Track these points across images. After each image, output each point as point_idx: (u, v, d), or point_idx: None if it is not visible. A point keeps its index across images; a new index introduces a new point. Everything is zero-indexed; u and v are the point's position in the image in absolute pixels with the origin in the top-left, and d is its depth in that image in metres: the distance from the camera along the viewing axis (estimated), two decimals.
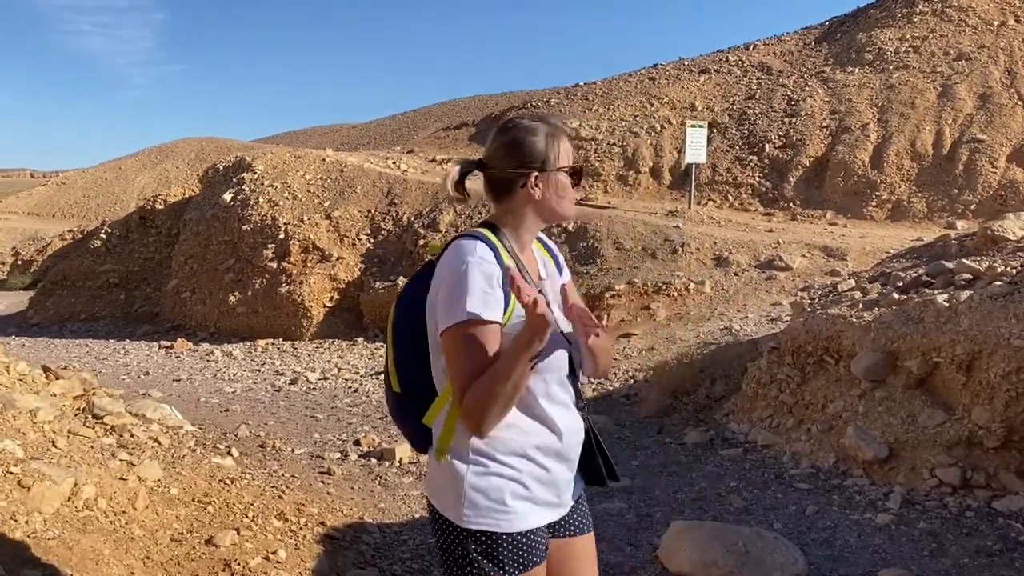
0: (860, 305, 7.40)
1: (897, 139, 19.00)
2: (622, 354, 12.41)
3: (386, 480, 7.15)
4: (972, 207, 16.76)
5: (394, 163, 23.21)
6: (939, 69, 21.34)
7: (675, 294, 14.83)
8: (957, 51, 21.83)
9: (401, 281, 17.86)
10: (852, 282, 8.56)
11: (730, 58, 25.91)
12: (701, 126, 18.72)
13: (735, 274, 15.16)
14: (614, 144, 22.38)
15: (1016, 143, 17.55)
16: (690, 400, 9.11)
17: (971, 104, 19.39)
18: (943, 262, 7.57)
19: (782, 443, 7.24)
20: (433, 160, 24.11)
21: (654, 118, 23.14)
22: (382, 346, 16.92)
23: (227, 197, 21.31)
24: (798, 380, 7.52)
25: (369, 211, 20.05)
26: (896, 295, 7.17)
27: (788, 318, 12.85)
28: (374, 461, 7.73)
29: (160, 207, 25.76)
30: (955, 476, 5.87)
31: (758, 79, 24.33)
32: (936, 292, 6.76)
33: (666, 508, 6.09)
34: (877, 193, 18.21)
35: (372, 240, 19.47)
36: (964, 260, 7.25)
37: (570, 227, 17.45)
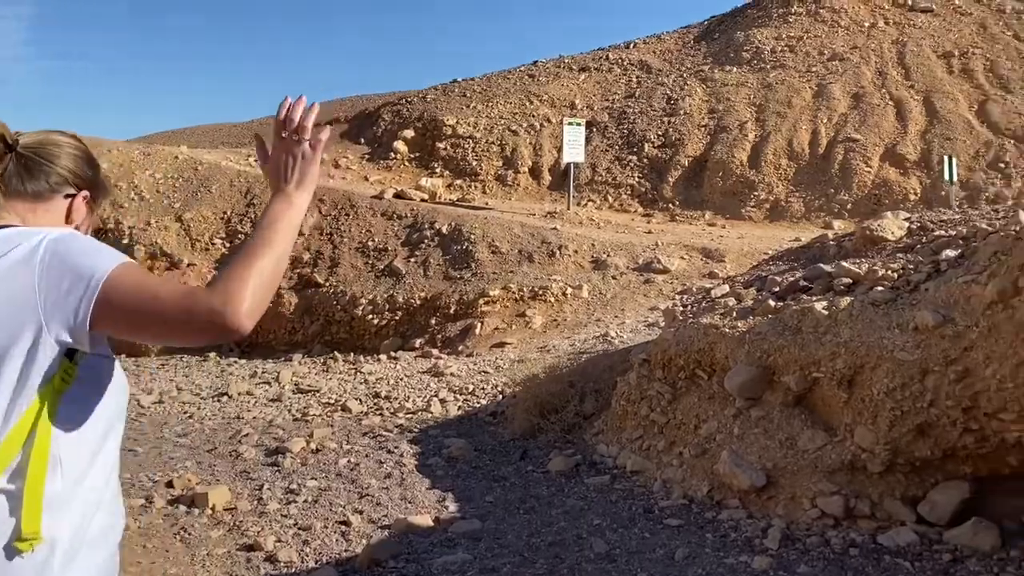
0: (734, 313, 6.76)
1: (775, 138, 19.01)
2: (492, 367, 11.55)
3: (189, 535, 5.97)
4: (848, 206, 16.85)
5: (256, 161, 21.66)
6: (814, 69, 21.61)
7: (552, 300, 14.12)
8: (831, 51, 22.20)
9: None
10: (727, 287, 7.96)
11: (610, 56, 25.62)
12: (579, 124, 18.16)
13: (613, 278, 14.60)
14: (493, 143, 21.61)
15: (888, 142, 17.81)
16: (558, 419, 8.30)
17: (845, 104, 19.64)
18: (821, 265, 7.04)
19: (653, 469, 6.50)
20: None
21: (534, 116, 22.51)
22: (235, 362, 15.51)
23: None
24: (669, 397, 6.82)
25: (225, 213, 18.51)
26: (772, 302, 6.56)
27: (663, 323, 12.35)
28: (182, 509, 6.53)
29: None
30: (838, 506, 5.25)
31: (638, 77, 24.11)
32: (814, 299, 6.18)
33: (516, 558, 5.21)
34: (755, 193, 18.13)
35: (228, 244, 17.95)
36: (843, 263, 6.72)
37: (444, 229, 16.52)
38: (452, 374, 11.41)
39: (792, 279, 7.10)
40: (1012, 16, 22.42)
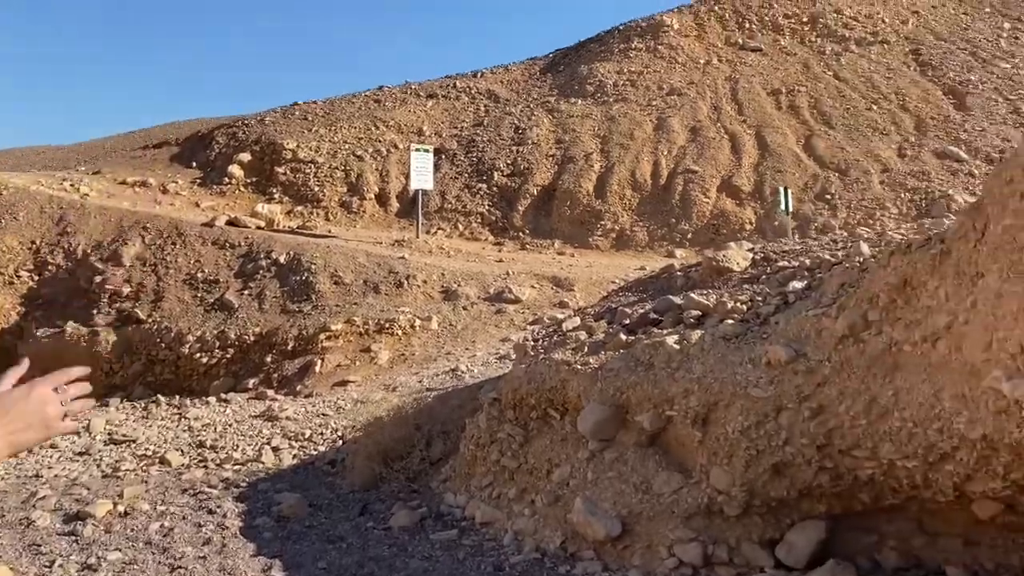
0: (586, 348, 6.45)
1: (619, 169, 19.35)
2: (333, 408, 10.78)
3: None
4: (689, 236, 17.31)
5: (72, 185, 19.76)
6: (654, 103, 22.30)
7: (399, 332, 13.50)
8: (669, 86, 23.01)
9: (72, 327, 14.84)
10: (577, 320, 7.69)
11: (458, 84, 25.47)
12: (426, 150, 17.75)
13: (464, 308, 14.18)
14: (336, 168, 20.79)
15: (725, 174, 18.50)
16: (403, 466, 7.72)
17: (684, 136, 20.32)
18: (671, 297, 6.88)
19: (503, 519, 6.04)
20: (123, 182, 20.92)
21: (380, 142, 21.90)
22: None
23: None
24: (520, 440, 6.40)
25: (34, 242, 16.67)
26: (624, 335, 6.31)
27: (514, 356, 12.06)
28: None
29: None
30: (696, 554, 4.98)
31: (486, 106, 24.05)
32: (666, 332, 5.96)
33: None
34: (602, 222, 18.32)
35: (36, 277, 16.14)
36: (692, 295, 6.59)
37: (281, 258, 15.55)
38: (288, 418, 10.55)
39: (642, 311, 6.89)
40: (832, 57, 24.14)
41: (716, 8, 27.32)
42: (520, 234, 18.64)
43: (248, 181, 21.03)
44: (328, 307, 14.24)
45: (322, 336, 13.41)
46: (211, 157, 22.29)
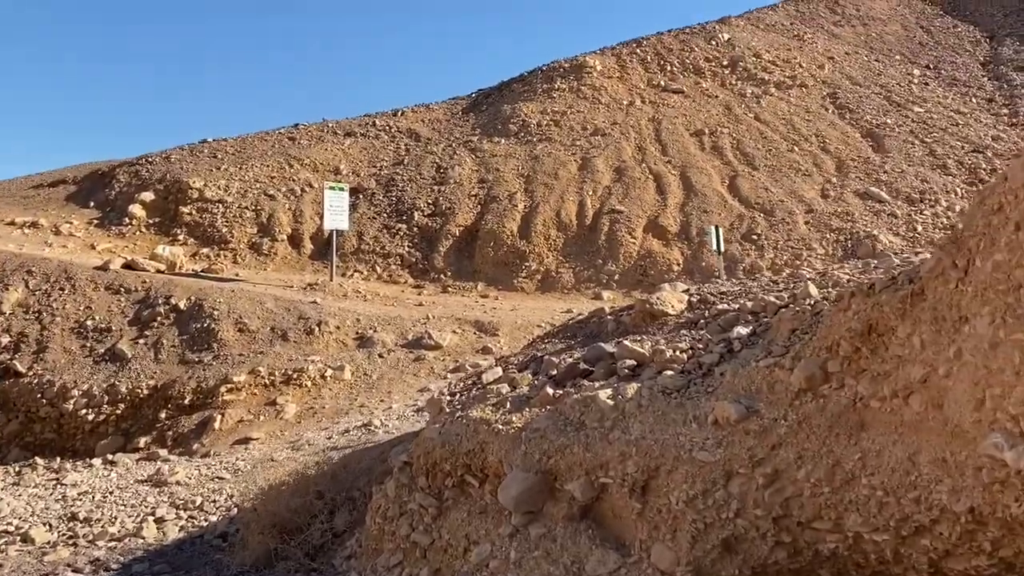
0: (508, 404, 5.75)
1: (543, 209, 18.91)
2: (230, 470, 9.75)
3: None
4: (616, 277, 16.90)
5: None
6: (578, 143, 22.06)
7: (308, 384, 12.55)
8: (593, 126, 22.84)
9: None
10: (499, 370, 6.99)
11: (377, 123, 24.82)
12: (341, 188, 16.94)
13: (380, 356, 13.33)
14: (246, 208, 19.75)
15: (650, 214, 18.24)
16: (302, 540, 6.80)
17: (608, 176, 20.06)
18: (602, 344, 6.25)
19: None
20: (11, 223, 19.40)
21: (294, 180, 20.97)
22: None
23: None
24: (434, 512, 5.62)
25: None
26: (551, 389, 5.63)
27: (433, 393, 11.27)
28: None
29: None
30: None
31: (407, 145, 23.43)
32: (598, 386, 5.32)
33: None
34: (526, 264, 17.78)
35: None
36: (625, 342, 5.97)
37: (181, 304, 14.44)
38: (178, 482, 9.48)
39: (571, 360, 6.24)
40: (752, 100, 24.45)
41: (638, 51, 27.52)
42: (441, 276, 17.93)
43: (151, 222, 19.78)
44: (231, 357, 13.19)
45: (223, 389, 12.36)
46: (111, 196, 20.94)
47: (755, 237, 17.10)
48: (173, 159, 22.30)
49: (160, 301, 14.60)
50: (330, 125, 24.75)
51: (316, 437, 10.68)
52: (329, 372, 12.73)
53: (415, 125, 24.84)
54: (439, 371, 12.89)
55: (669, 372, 5.28)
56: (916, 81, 28.25)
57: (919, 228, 16.71)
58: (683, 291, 7.40)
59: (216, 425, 11.70)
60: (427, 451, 6.01)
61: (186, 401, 12.40)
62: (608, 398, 5.17)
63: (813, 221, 17.52)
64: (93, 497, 9.27)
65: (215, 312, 14.13)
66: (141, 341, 13.74)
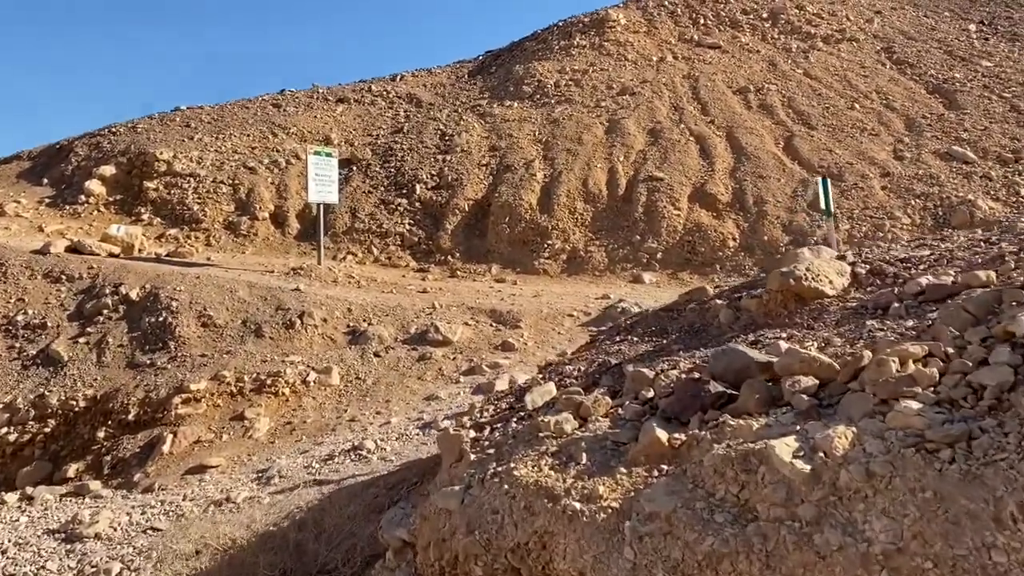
0: (584, 455, 3.33)
1: (567, 178, 16.34)
2: (172, 516, 7.25)
3: None
4: (658, 256, 14.34)
5: None
6: (603, 104, 19.47)
7: (286, 392, 10.05)
8: (620, 85, 20.23)
9: None
10: (550, 387, 4.44)
11: (373, 88, 22.24)
12: (328, 154, 14.39)
13: (376, 355, 10.83)
14: (222, 182, 17.23)
15: (695, 182, 15.65)
16: None
17: (642, 140, 17.48)
18: (736, 346, 3.76)
19: None
20: None
21: (278, 151, 18.42)
22: None
23: None
24: None
25: None
26: (661, 431, 3.19)
27: (446, 424, 8.77)
28: None
29: None
30: None
31: (406, 112, 20.85)
32: (760, 427, 2.85)
33: None
34: (549, 241, 15.22)
35: None
36: (791, 344, 3.53)
37: (133, 294, 11.95)
38: (98, 536, 7.01)
39: (688, 376, 3.72)
40: (799, 54, 21.79)
41: (666, 3, 24.85)
42: (449, 258, 15.39)
43: (111, 199, 17.27)
44: (190, 358, 10.71)
45: (177, 400, 9.88)
46: (67, 172, 18.45)
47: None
48: (140, 129, 19.77)
49: (108, 291, 12.13)
50: (320, 91, 22.18)
51: (292, 465, 8.19)
52: (312, 376, 10.24)
53: (416, 90, 22.24)
54: (449, 373, 10.39)
55: (913, 405, 2.73)
56: (975, 36, 25.51)
57: (1023, 191, 14.10)
58: (837, 257, 4.83)
59: (166, 448, 9.22)
60: (441, 537, 3.52)
61: (130, 416, 9.92)
62: (797, 457, 2.65)
63: (892, 186, 14.90)
64: None
65: (173, 303, 11.64)
66: (82, 340, 11.27)
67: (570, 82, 20.78)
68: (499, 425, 4.25)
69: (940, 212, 13.97)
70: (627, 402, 3.96)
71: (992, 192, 14.24)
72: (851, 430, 2.77)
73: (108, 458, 9.49)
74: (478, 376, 10.16)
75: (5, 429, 10.18)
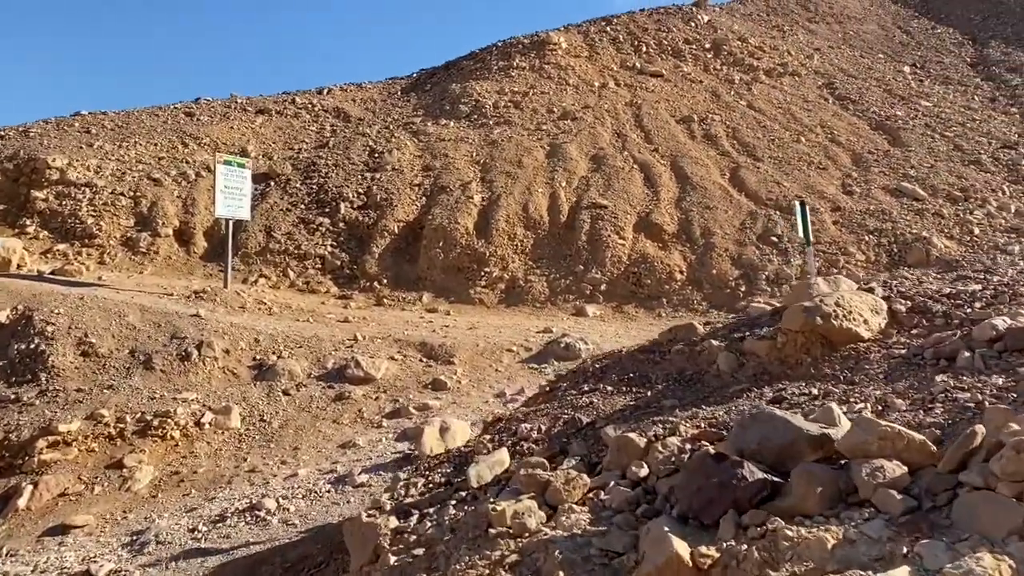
0: (558, 571, 2.13)
1: (506, 202, 15.34)
2: None
3: None
4: (602, 287, 13.39)
5: None
6: (544, 127, 18.62)
7: (175, 435, 8.64)
8: (561, 109, 19.43)
9: None
10: (502, 456, 3.31)
11: (298, 100, 20.93)
12: (240, 165, 13.05)
13: (285, 392, 9.51)
14: (122, 194, 15.63)
15: (640, 210, 14.83)
16: None
17: (584, 166, 16.65)
18: (774, 412, 2.68)
19: None
20: None
21: (187, 163, 16.92)
22: None
23: None
24: None
25: None
26: (681, 544, 2.05)
27: (364, 479, 7.51)
28: None
29: None
30: None
31: (333, 126, 19.61)
32: (829, 538, 1.71)
33: None
34: (486, 269, 14.14)
35: None
36: (858, 415, 2.42)
37: (2, 315, 10.35)
38: None
39: (690, 444, 2.65)
40: (741, 86, 21.42)
41: (608, 29, 24.31)
42: (375, 284, 14.15)
43: None
44: (63, 393, 9.20)
45: (42, 443, 8.37)
46: None
47: (774, 239, 13.83)
48: (32, 133, 17.98)
49: None
50: (239, 101, 20.75)
51: (173, 527, 6.83)
52: (208, 417, 8.88)
53: (344, 104, 21.02)
54: (371, 415, 9.16)
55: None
56: (911, 77, 25.77)
57: (976, 230, 13.70)
58: (862, 287, 3.86)
59: (22, 501, 7.72)
60: None
61: None
62: None
63: (844, 221, 14.35)
64: None
65: (48, 328, 10.10)
66: None
67: (509, 103, 19.89)
68: (432, 509, 3.10)
69: (895, 249, 13.43)
70: (612, 482, 2.88)
71: (946, 230, 13.80)
72: (1005, 561, 1.74)
73: None
74: (404, 420, 8.94)
75: None
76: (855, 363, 3.20)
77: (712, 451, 2.62)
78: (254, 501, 7.05)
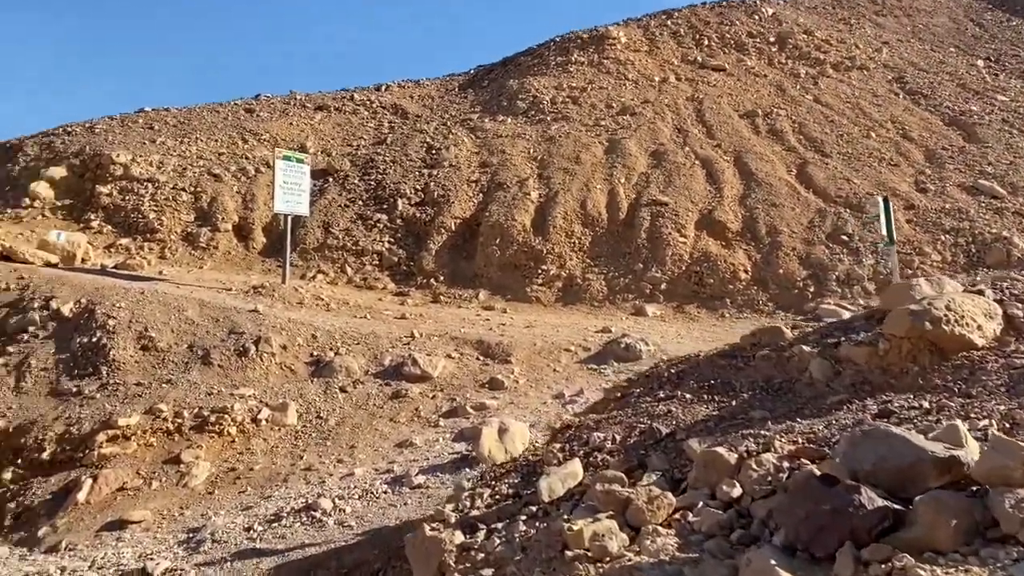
0: None
1: (564, 199, 15.07)
2: None
3: None
4: (663, 286, 13.04)
5: None
6: (603, 122, 18.29)
7: (232, 431, 8.60)
8: (620, 104, 19.08)
9: None
10: (575, 467, 3.07)
11: (356, 97, 20.94)
12: (299, 160, 13.03)
13: (343, 390, 9.41)
14: (183, 189, 15.80)
15: (703, 207, 14.42)
16: None
17: (644, 162, 16.28)
18: (891, 430, 2.37)
19: None
20: None
21: (247, 159, 17.04)
22: None
23: None
24: None
25: None
26: None
27: (421, 480, 7.33)
28: None
29: None
30: None
31: (391, 123, 19.56)
32: None
33: None
34: (543, 267, 13.90)
35: None
36: (992, 434, 2.11)
37: (66, 310, 10.47)
38: None
39: (788, 462, 2.35)
40: (808, 80, 20.77)
41: (668, 23, 23.85)
42: (432, 281, 14.03)
43: (59, 204, 15.79)
44: (123, 387, 9.24)
45: (102, 437, 8.39)
46: (13, 173, 16.94)
47: (844, 238, 13.30)
48: (98, 130, 18.31)
49: (37, 305, 10.65)
50: (298, 97, 20.87)
51: (229, 526, 6.74)
52: (265, 413, 8.81)
53: (402, 101, 20.98)
54: (427, 414, 8.99)
55: None
56: (985, 72, 24.72)
57: None
58: (968, 290, 3.52)
59: (82, 495, 7.73)
60: None
61: (45, 455, 8.42)
62: None
63: (918, 219, 13.75)
64: None
65: (110, 321, 10.17)
66: (0, 361, 9.75)
67: (567, 99, 19.61)
68: (500, 525, 2.88)
69: (973, 249, 12.81)
70: (700, 503, 2.60)
71: None
72: None
73: (12, 505, 7.98)
74: (461, 419, 8.75)
75: None
76: (970, 373, 2.88)
77: (818, 472, 2.33)
78: (310, 501, 6.92)
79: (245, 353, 9.83)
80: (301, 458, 8.18)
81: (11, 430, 8.79)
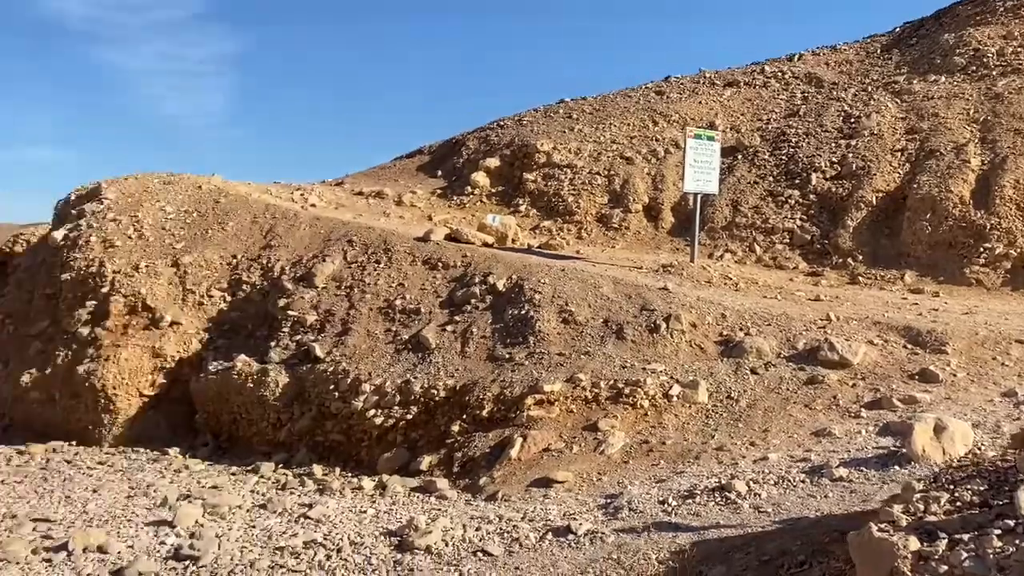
0: None
1: (1012, 165, 13.00)
2: (505, 542, 6.39)
3: None
4: None
5: (302, 195, 17.75)
6: None
7: (645, 405, 8.86)
8: None
9: (243, 362, 12.14)
10: None
11: (767, 69, 20.22)
12: (710, 138, 12.92)
13: (753, 372, 9.17)
14: (598, 173, 16.67)
15: None
16: None
17: None
18: None
19: None
20: (360, 193, 18.62)
21: (657, 140, 17.41)
22: (211, 467, 11.18)
23: (58, 235, 15.92)
24: None
25: (235, 257, 14.46)
26: None
27: (843, 473, 6.81)
28: None
29: (20, 248, 20.37)
30: None
31: (804, 93, 18.55)
32: None
33: None
34: (986, 245, 12.15)
35: (228, 297, 13.83)
36: None
37: (500, 284, 11.66)
38: (428, 549, 6.41)
39: None
40: None
41: None
42: (849, 261, 13.05)
43: (493, 191, 17.68)
44: (547, 356, 10.03)
45: (530, 400, 9.20)
46: (458, 165, 19.34)
47: None
48: (525, 122, 20.10)
49: (477, 280, 12.01)
50: (707, 75, 20.75)
51: (644, 497, 6.94)
52: (676, 389, 8.93)
53: (816, 69, 19.77)
54: (846, 404, 8.38)
55: None
56: None
57: None
58: None
59: (514, 452, 8.56)
60: None
61: (484, 412, 9.48)
62: None
63: None
64: (314, 555, 6.55)
65: (536, 296, 11.11)
66: (449, 328, 11.21)
67: (1020, 48, 16.84)
68: (966, 536, 2.50)
69: None
70: None
71: None
72: None
73: (459, 455, 9.12)
74: (886, 412, 8.00)
75: (373, 411, 10.37)
76: None
77: None
78: (723, 481, 6.84)
79: (656, 330, 10.05)
80: (712, 437, 8.14)
81: (458, 388, 10.05)
